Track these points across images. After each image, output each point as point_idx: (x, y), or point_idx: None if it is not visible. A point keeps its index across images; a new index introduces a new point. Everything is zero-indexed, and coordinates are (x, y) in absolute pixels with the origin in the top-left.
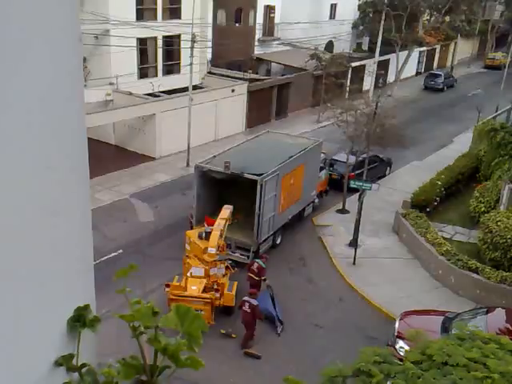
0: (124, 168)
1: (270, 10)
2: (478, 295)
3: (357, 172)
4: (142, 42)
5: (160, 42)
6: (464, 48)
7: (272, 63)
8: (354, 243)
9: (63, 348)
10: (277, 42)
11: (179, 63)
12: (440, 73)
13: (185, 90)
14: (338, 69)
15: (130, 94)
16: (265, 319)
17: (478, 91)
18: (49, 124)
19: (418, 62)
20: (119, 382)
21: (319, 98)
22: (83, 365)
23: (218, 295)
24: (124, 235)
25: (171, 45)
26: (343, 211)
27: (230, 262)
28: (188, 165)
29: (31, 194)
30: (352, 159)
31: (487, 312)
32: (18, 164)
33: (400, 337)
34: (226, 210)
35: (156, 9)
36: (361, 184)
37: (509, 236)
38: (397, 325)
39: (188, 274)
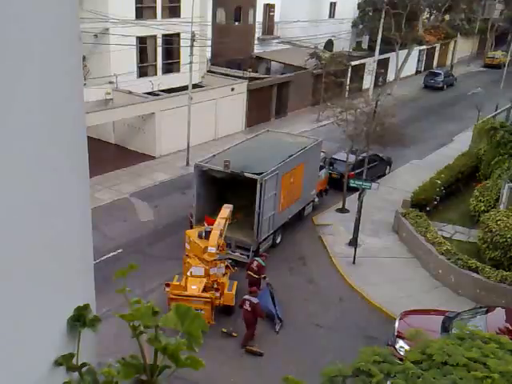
0: (124, 167)
1: (269, 8)
2: (478, 294)
3: (357, 171)
4: (141, 40)
5: (159, 41)
6: (464, 47)
7: (272, 62)
8: (353, 242)
9: (63, 347)
10: (276, 41)
11: (179, 62)
12: (440, 71)
13: (184, 88)
14: (338, 67)
15: (130, 92)
16: (266, 317)
17: (478, 90)
18: (48, 124)
19: (418, 60)
20: (119, 382)
21: (319, 97)
22: (83, 364)
23: (218, 295)
24: (124, 234)
25: (171, 43)
26: (343, 210)
27: (229, 261)
28: (188, 164)
29: (31, 194)
30: (352, 158)
31: (487, 311)
32: (17, 164)
33: (400, 336)
34: (226, 209)
35: (155, 7)
36: (361, 183)
37: (509, 235)
38: (397, 324)
39: (188, 274)
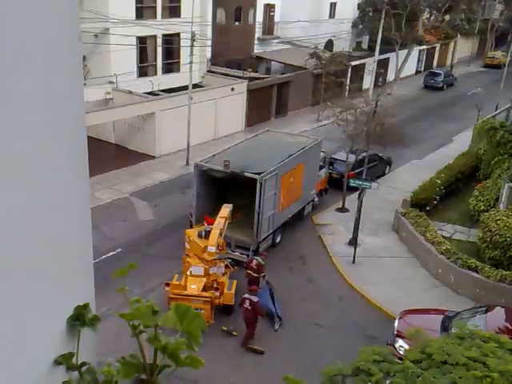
0: (123, 167)
1: (269, 8)
2: (478, 294)
3: (356, 171)
4: (141, 40)
5: (160, 41)
6: (464, 47)
7: (272, 62)
8: (353, 242)
9: (63, 347)
10: (276, 41)
11: (179, 62)
12: (440, 71)
13: (184, 88)
14: (338, 67)
15: (130, 92)
16: (266, 315)
17: (478, 90)
18: (48, 123)
19: (418, 60)
20: (119, 381)
21: (319, 97)
22: (83, 363)
23: (217, 294)
24: (123, 234)
25: (171, 43)
26: (343, 210)
27: (229, 260)
28: (188, 163)
29: (31, 194)
30: (352, 158)
31: (487, 311)
32: (17, 164)
33: (399, 336)
34: (226, 209)
35: (156, 7)
36: (360, 183)
37: (508, 235)
38: (396, 324)
39: (188, 273)
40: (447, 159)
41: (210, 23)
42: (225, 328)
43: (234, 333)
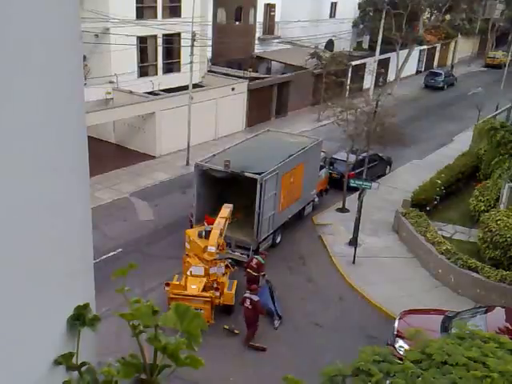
0: (124, 167)
1: (270, 8)
2: (478, 294)
3: (357, 171)
4: (142, 40)
5: (160, 41)
6: (464, 47)
7: (272, 62)
8: (353, 242)
9: (63, 347)
10: (277, 41)
11: (179, 62)
12: (440, 71)
13: (185, 88)
14: (338, 67)
15: (130, 92)
16: (266, 314)
17: (479, 90)
18: (49, 123)
19: (419, 60)
20: (119, 381)
21: (319, 97)
22: (83, 363)
23: (217, 294)
24: (124, 234)
25: (171, 43)
26: (343, 210)
27: (229, 260)
28: (188, 163)
29: (31, 194)
30: (352, 158)
31: (487, 311)
32: (18, 164)
33: (400, 336)
34: (226, 209)
35: (156, 7)
36: (361, 183)
37: (508, 235)
38: (396, 324)
39: (188, 273)
40: (447, 159)
41: (211, 23)
42: (226, 326)
43: (236, 331)
